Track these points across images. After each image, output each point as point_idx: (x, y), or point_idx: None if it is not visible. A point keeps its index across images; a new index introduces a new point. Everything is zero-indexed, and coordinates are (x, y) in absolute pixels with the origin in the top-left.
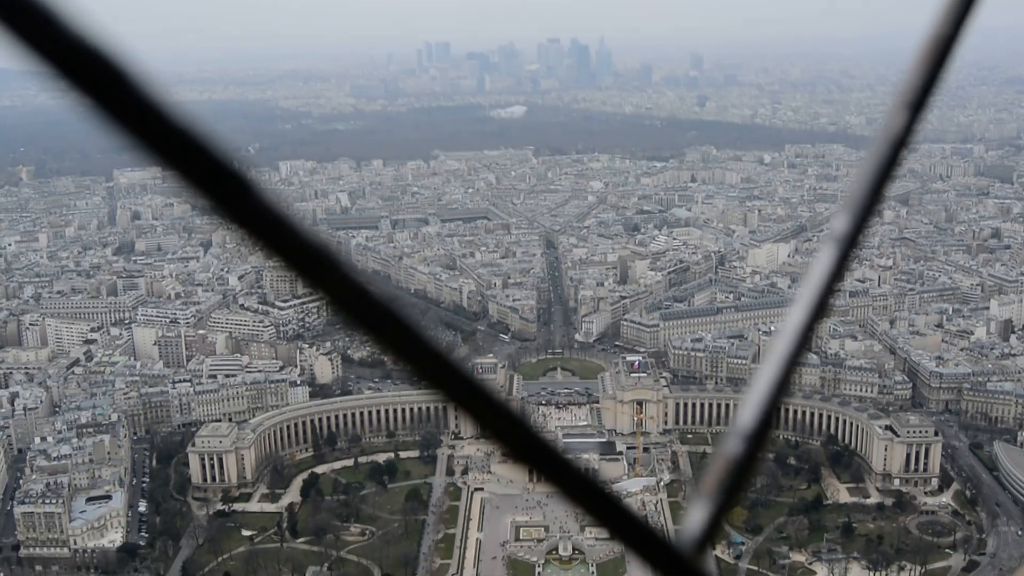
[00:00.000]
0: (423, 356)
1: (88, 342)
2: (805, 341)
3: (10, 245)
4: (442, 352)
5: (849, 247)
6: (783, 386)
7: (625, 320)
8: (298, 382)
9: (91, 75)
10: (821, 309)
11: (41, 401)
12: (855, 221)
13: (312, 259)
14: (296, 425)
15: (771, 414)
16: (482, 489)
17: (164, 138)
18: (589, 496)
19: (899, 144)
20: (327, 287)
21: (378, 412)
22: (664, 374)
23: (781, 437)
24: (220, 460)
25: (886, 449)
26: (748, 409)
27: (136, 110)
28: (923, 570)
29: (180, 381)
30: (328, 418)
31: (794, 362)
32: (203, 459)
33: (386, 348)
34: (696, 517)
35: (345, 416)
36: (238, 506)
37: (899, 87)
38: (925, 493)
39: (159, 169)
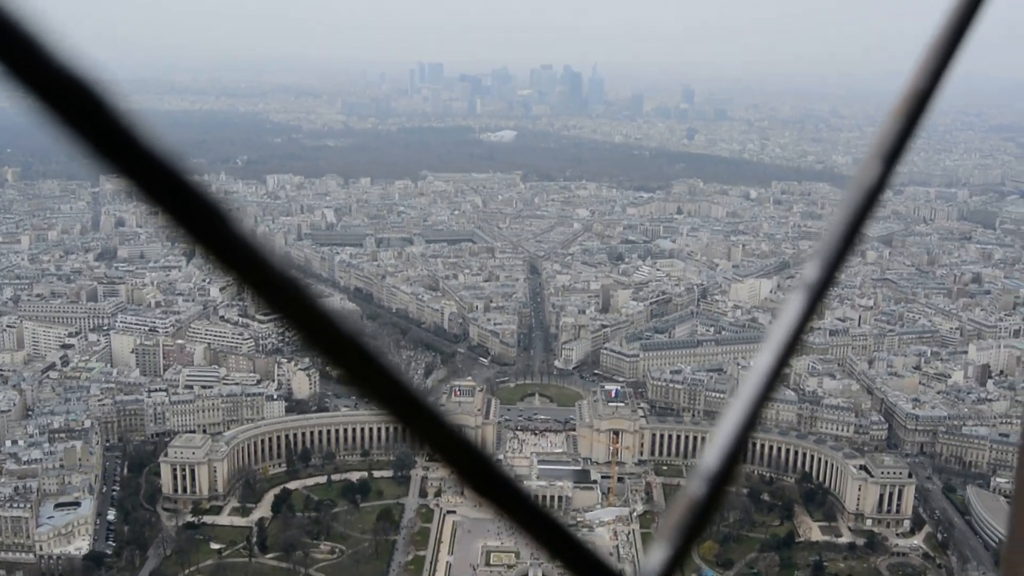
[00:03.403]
0: (377, 378)
1: (65, 347)
2: (772, 385)
3: None
4: (397, 375)
5: (819, 294)
6: (748, 428)
7: (605, 349)
8: (275, 396)
9: (57, 91)
10: (789, 353)
11: (14, 404)
12: (826, 268)
13: (269, 279)
14: (270, 439)
15: (736, 456)
16: (454, 512)
17: (126, 154)
18: (543, 529)
19: (873, 194)
20: (282, 306)
21: (353, 430)
22: (642, 405)
23: (756, 472)
24: (192, 471)
25: (860, 489)
26: (713, 450)
27: (100, 126)
28: None
29: (156, 390)
30: (303, 434)
31: (760, 405)
32: (175, 470)
33: (342, 370)
34: (656, 557)
35: (320, 433)
36: (208, 518)
37: (874, 138)
38: (897, 534)
39: (119, 182)
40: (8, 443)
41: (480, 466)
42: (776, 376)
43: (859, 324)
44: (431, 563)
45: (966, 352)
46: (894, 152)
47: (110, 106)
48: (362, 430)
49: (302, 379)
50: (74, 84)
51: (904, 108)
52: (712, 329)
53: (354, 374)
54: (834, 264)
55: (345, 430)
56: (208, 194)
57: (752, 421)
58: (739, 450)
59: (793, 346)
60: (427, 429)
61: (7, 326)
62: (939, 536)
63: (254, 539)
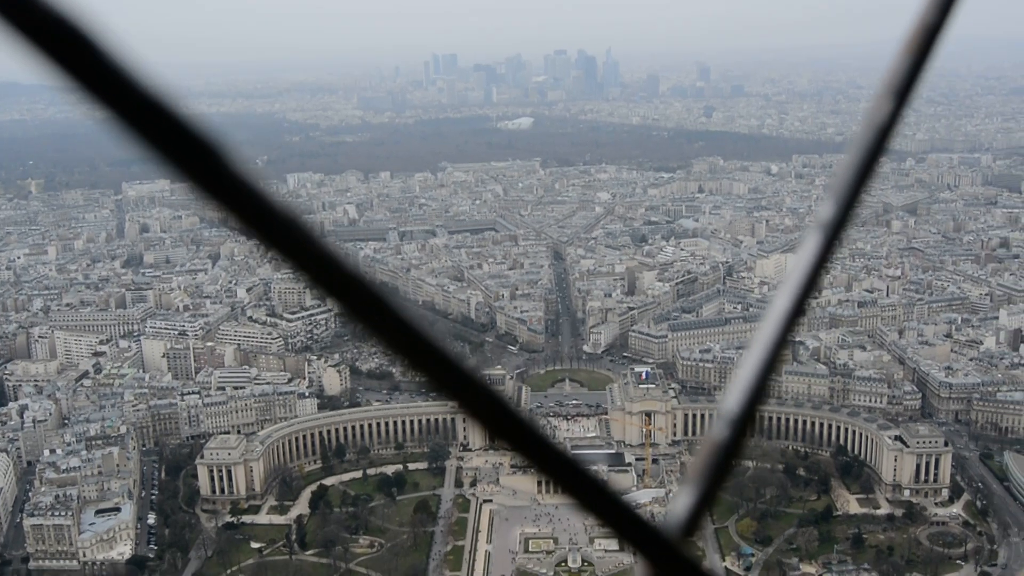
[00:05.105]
0: (428, 358)
1: (97, 354)
2: (790, 326)
3: (19, 258)
4: (446, 353)
5: (835, 233)
6: (768, 370)
7: (633, 331)
8: (306, 394)
9: (57, 40)
10: (806, 294)
11: (50, 414)
12: (840, 208)
13: (290, 237)
14: (304, 437)
15: (757, 399)
16: (491, 501)
17: (139, 111)
18: (576, 483)
19: (884, 131)
20: (307, 267)
21: (387, 424)
22: (673, 385)
23: (790, 448)
24: (229, 472)
25: (896, 460)
26: (733, 394)
27: (109, 81)
28: None
29: (189, 393)
30: (337, 430)
31: (779, 347)
32: (212, 471)
33: (396, 353)
34: (682, 502)
35: (354, 428)
36: (247, 518)
37: (884, 75)
38: (935, 504)
39: (144, 155)
40: (47, 452)
41: (518, 427)
42: (795, 317)
43: (887, 294)
44: (470, 552)
45: (997, 317)
46: (904, 88)
47: (110, 54)
48: (395, 423)
49: (333, 375)
50: (67, 27)
51: (913, 44)
52: (739, 306)
53: (408, 355)
54: (849, 202)
55: (378, 424)
56: (223, 147)
57: (772, 364)
58: (760, 393)
59: (811, 286)
60: (495, 421)
61: (39, 336)
62: (978, 503)
63: (293, 536)
